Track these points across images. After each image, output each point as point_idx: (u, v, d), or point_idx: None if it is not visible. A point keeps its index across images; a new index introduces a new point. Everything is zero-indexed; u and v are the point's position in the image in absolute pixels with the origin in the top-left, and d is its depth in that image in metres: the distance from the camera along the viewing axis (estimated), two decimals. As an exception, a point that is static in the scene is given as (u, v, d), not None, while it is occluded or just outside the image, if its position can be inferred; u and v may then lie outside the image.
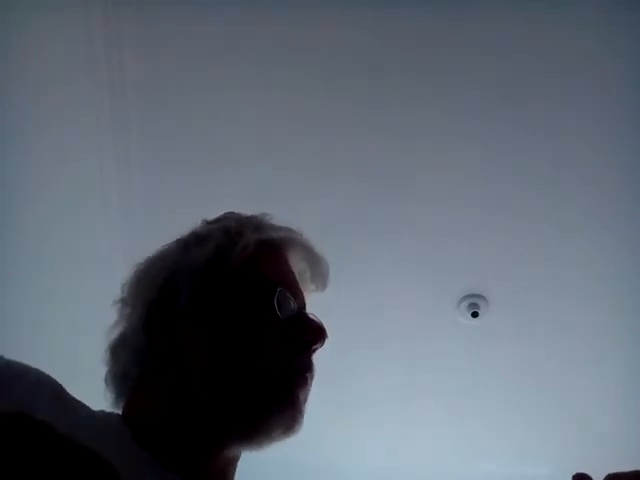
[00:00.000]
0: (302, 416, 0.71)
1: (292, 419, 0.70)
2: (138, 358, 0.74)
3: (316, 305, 0.82)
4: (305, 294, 0.81)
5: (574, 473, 0.60)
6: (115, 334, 0.76)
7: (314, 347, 0.74)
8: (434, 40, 1.80)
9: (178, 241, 0.80)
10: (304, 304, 0.80)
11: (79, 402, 0.69)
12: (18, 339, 2.06)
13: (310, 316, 0.78)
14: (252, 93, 1.92)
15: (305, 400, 0.73)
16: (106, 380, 0.76)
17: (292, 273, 0.80)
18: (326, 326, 0.78)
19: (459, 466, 2.78)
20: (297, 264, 0.82)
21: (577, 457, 2.56)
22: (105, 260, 2.16)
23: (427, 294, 2.30)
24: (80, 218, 2.15)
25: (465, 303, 2.30)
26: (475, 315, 2.30)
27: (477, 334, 2.38)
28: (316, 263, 0.83)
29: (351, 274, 2.14)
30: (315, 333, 0.74)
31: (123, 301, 0.77)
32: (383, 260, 2.21)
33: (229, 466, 0.74)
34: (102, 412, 0.72)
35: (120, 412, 0.74)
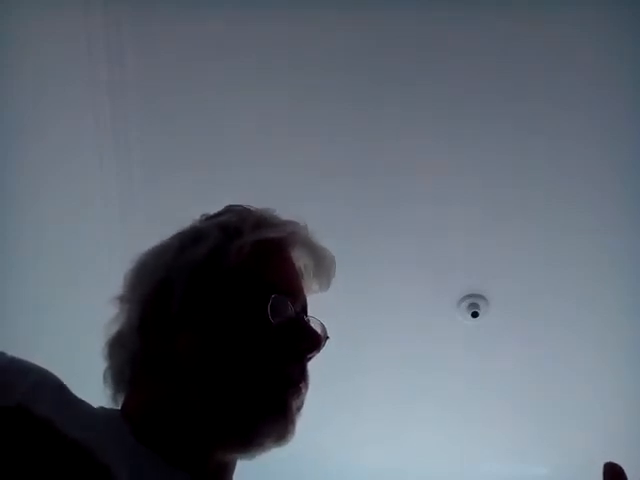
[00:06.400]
0: (294, 426, 0.70)
1: (284, 429, 0.69)
2: (132, 359, 0.73)
3: (316, 305, 0.81)
4: (307, 292, 0.79)
5: (605, 462, 0.59)
6: (113, 330, 0.75)
7: (309, 355, 0.73)
8: (434, 40, 1.80)
9: (176, 236, 0.78)
10: (305, 304, 0.78)
11: (80, 399, 0.69)
12: (18, 338, 2.06)
13: (308, 320, 0.76)
14: (252, 93, 1.92)
15: (299, 409, 0.71)
16: (105, 376, 0.75)
17: (294, 271, 0.78)
18: (327, 326, 0.77)
19: (459, 466, 2.78)
20: (300, 260, 0.79)
21: (577, 457, 2.57)
22: (105, 260, 2.16)
23: (427, 294, 2.30)
24: (80, 218, 2.15)
25: (465, 303, 2.30)
26: (475, 315, 2.30)
27: (477, 334, 2.38)
28: (320, 259, 0.80)
29: (351, 274, 2.14)
30: (309, 341, 0.72)
31: (121, 298, 0.76)
32: (383, 260, 2.21)
33: (228, 465, 0.73)
34: (102, 409, 0.72)
35: (119, 408, 0.74)
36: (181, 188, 2.07)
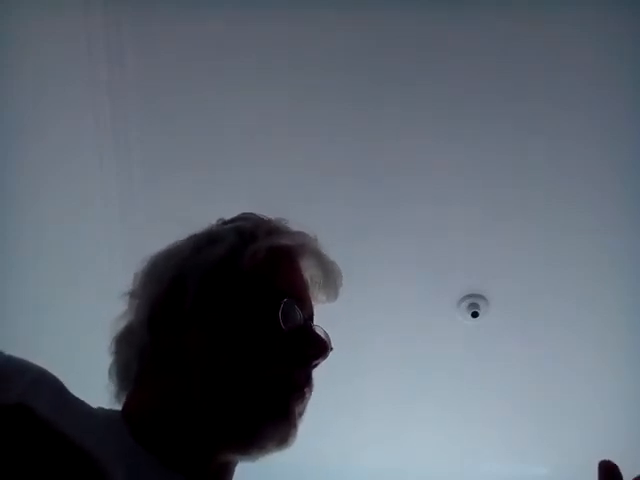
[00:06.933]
0: (296, 430, 0.71)
1: (286, 433, 0.70)
2: (140, 354, 0.73)
3: (316, 305, 0.82)
4: (314, 302, 0.80)
5: (600, 460, 0.59)
6: (121, 326, 0.76)
7: (315, 362, 0.74)
8: (434, 40, 1.80)
9: (191, 238, 0.79)
10: (312, 314, 0.79)
11: (79, 399, 0.69)
12: (18, 338, 2.06)
13: (315, 329, 0.77)
14: (252, 93, 1.92)
15: (301, 414, 0.72)
16: (110, 372, 0.75)
17: (303, 281, 0.79)
18: (326, 325, 0.77)
19: (459, 466, 2.78)
20: (309, 271, 0.81)
21: (577, 457, 2.56)
22: (105, 260, 2.16)
23: (427, 294, 2.30)
24: (80, 218, 2.15)
25: (465, 303, 2.30)
26: (475, 315, 2.30)
27: (477, 334, 2.38)
28: (328, 272, 0.82)
29: (351, 274, 2.13)
30: (317, 348, 0.73)
31: (132, 294, 0.77)
32: (383, 260, 2.21)
33: (227, 468, 0.73)
34: (101, 409, 0.72)
35: (120, 407, 0.74)
36: (181, 188, 2.07)
